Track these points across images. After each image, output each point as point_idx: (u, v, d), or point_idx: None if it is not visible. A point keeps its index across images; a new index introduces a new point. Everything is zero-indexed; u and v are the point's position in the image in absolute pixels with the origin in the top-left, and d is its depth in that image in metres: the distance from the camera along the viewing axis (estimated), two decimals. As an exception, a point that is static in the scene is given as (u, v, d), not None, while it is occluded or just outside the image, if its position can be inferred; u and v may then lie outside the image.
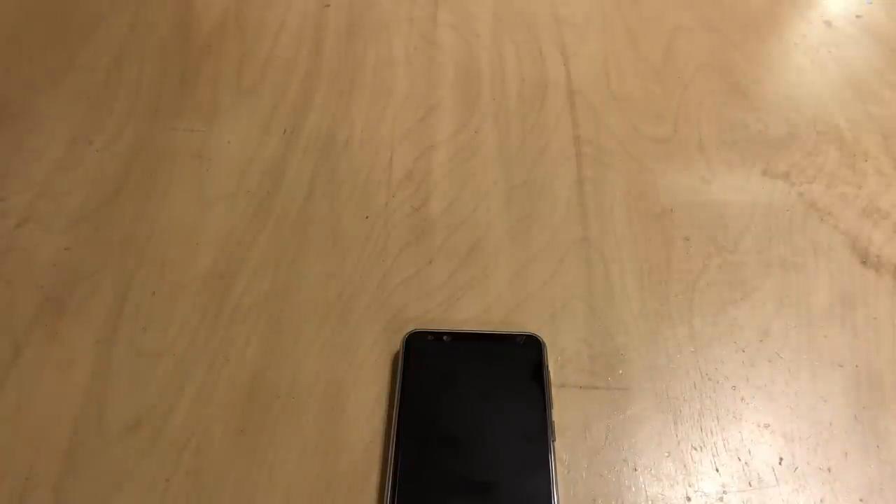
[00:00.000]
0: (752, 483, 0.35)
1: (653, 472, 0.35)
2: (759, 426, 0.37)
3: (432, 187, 0.47)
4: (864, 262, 0.43)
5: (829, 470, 0.35)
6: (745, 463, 0.35)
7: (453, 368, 0.37)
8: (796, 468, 0.35)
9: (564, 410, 0.36)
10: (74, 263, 0.42)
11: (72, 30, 0.57)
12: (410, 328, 0.38)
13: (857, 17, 0.61)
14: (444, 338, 0.38)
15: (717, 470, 0.35)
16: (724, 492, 0.34)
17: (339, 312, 0.40)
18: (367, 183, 0.47)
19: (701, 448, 0.36)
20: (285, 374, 0.38)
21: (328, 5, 0.60)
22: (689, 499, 0.34)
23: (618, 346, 0.39)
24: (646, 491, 0.34)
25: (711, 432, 0.36)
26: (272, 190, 0.46)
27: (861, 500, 0.34)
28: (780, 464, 0.35)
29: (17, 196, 0.45)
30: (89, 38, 0.56)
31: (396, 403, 0.35)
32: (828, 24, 0.60)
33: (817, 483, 0.35)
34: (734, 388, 0.38)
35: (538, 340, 0.38)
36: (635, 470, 0.35)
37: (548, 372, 0.37)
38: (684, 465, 0.35)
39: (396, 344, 0.38)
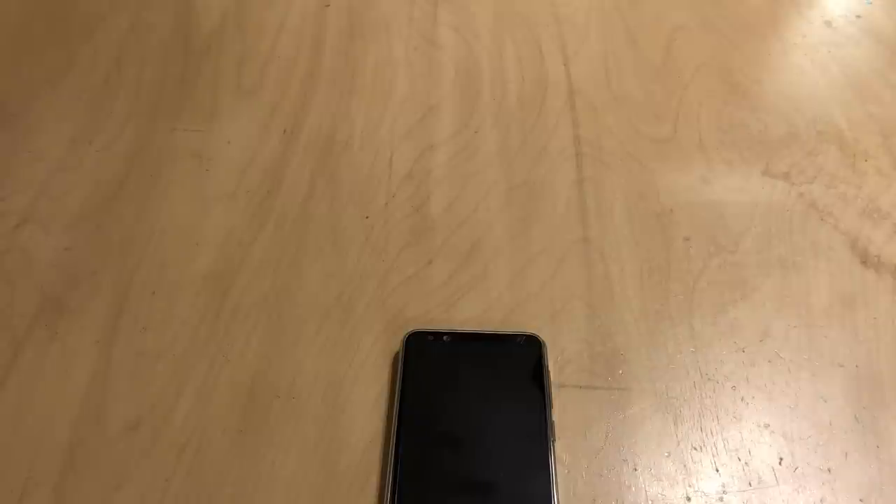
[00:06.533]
0: (752, 483, 0.35)
1: (653, 472, 0.35)
2: (759, 426, 0.37)
3: (432, 187, 0.47)
4: (864, 262, 0.43)
5: (829, 470, 0.35)
6: (745, 463, 0.35)
7: (453, 368, 0.37)
8: (796, 468, 0.35)
9: (564, 410, 0.36)
10: (74, 263, 0.42)
11: (72, 30, 0.57)
12: (410, 328, 0.38)
13: (857, 17, 0.61)
14: (444, 338, 0.38)
15: (717, 470, 0.35)
16: (724, 492, 0.34)
17: (339, 312, 0.40)
18: (366, 183, 0.47)
19: (701, 448, 0.36)
20: (285, 374, 0.38)
21: (328, 5, 0.60)
22: (689, 499, 0.34)
23: (618, 346, 0.39)
24: (646, 491, 0.34)
25: (711, 432, 0.36)
26: (272, 190, 0.46)
27: (861, 500, 0.34)
28: (780, 464, 0.35)
29: (17, 196, 0.45)
30: (89, 38, 0.56)
31: (396, 403, 0.35)
32: (828, 24, 0.60)
33: (817, 483, 0.35)
34: (734, 388, 0.38)
35: (538, 340, 0.38)
36: (635, 470, 0.35)
37: (548, 372, 0.37)
38: (684, 465, 0.35)
39: (396, 344, 0.38)
